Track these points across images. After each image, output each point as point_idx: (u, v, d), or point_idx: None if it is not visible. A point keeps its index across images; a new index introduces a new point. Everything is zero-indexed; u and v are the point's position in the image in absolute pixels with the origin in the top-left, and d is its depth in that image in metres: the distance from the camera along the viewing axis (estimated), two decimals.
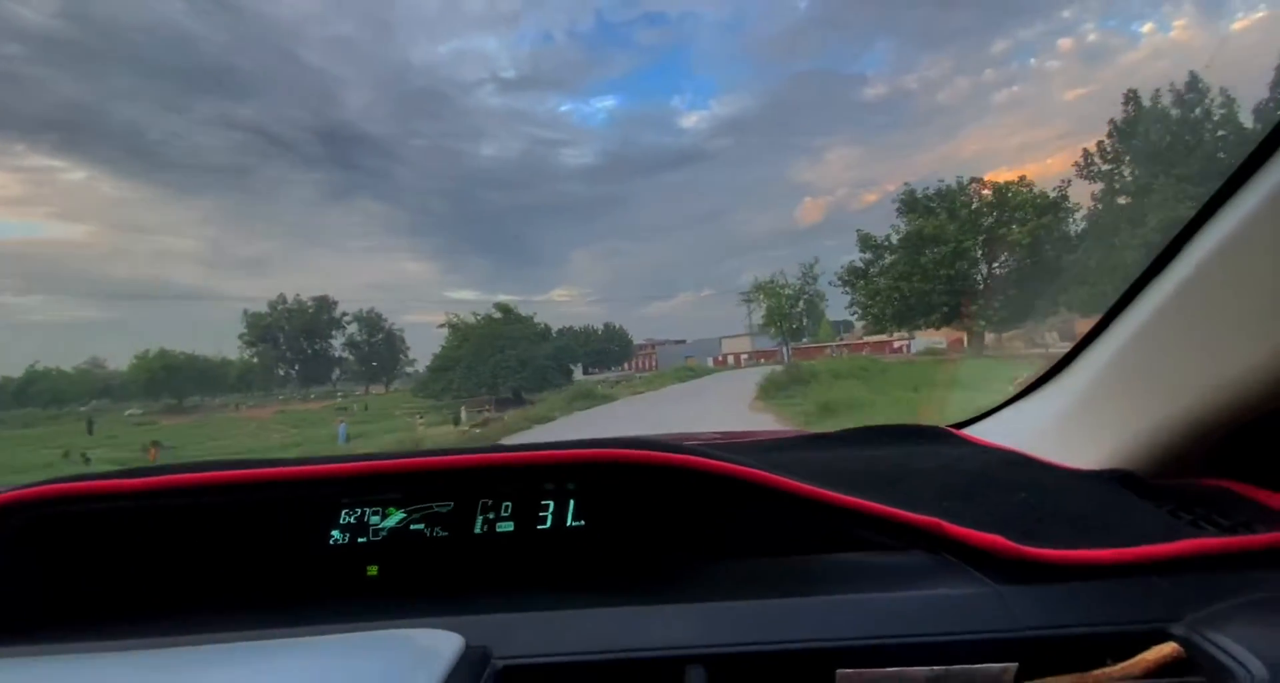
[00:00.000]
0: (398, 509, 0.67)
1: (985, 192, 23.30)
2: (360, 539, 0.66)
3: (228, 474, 0.60)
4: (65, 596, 0.62)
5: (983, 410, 0.94)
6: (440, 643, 0.43)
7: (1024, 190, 22.75)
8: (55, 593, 0.62)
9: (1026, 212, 22.03)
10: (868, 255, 24.18)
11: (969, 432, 0.94)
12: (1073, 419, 0.76)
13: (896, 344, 31.24)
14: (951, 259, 22.05)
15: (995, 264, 22.63)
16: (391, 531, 0.67)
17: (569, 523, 0.66)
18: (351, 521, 0.67)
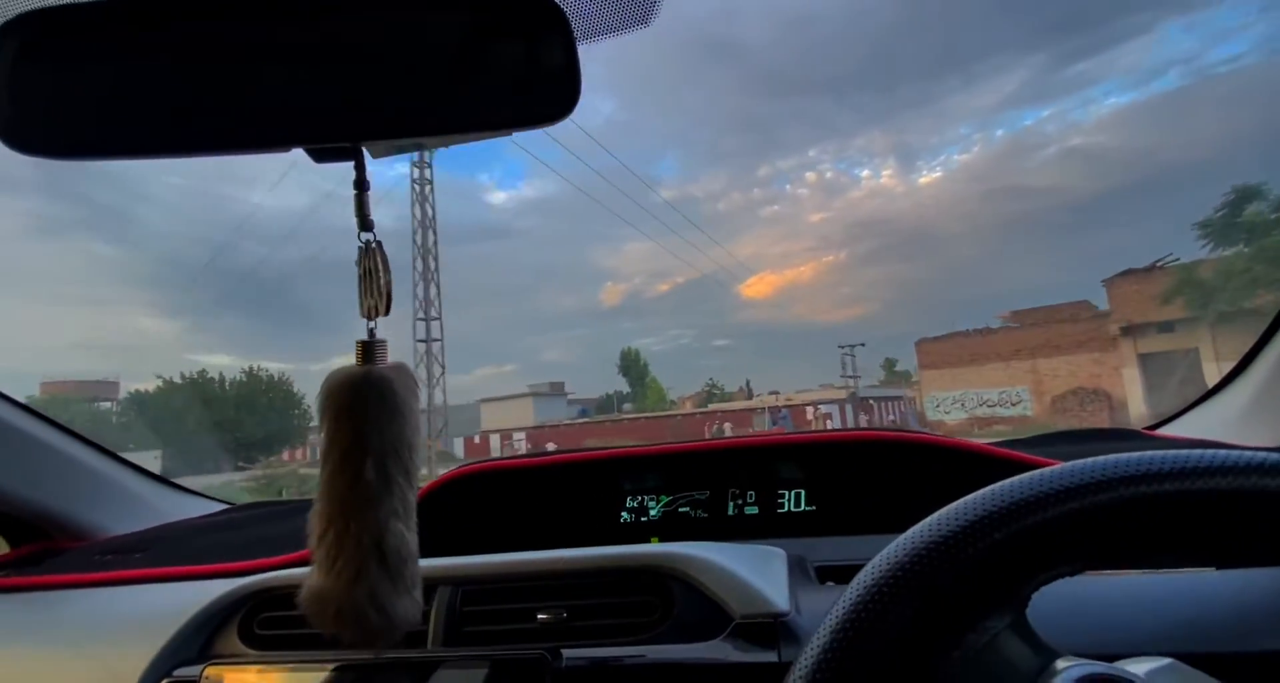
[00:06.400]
0: (666, 496, 0.89)
1: None
2: (642, 518, 0.89)
3: (562, 456, 0.90)
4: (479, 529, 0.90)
5: (1171, 413, 1.00)
6: (774, 553, 0.62)
7: None
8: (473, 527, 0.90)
9: None
10: None
11: (1159, 432, 1.02)
12: (1256, 409, 0.84)
13: (817, 409, 17.36)
14: None
15: None
16: (664, 512, 0.89)
17: (802, 507, 0.85)
18: (634, 504, 0.90)
